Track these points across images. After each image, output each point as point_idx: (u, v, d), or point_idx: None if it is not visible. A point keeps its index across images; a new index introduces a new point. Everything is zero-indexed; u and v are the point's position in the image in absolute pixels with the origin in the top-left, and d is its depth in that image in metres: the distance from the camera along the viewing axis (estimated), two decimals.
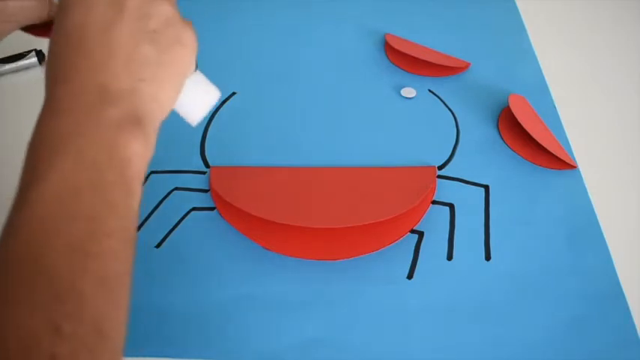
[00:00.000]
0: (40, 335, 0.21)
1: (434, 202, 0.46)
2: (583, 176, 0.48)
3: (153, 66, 0.28)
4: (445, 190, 0.47)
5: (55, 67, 0.28)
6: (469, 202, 0.46)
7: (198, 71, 0.34)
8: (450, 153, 0.50)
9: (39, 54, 0.58)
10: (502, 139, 0.51)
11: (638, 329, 0.39)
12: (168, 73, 0.29)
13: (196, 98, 0.33)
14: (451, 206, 0.46)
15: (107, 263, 0.24)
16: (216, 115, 0.54)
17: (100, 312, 0.23)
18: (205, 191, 0.47)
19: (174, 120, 0.53)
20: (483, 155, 0.50)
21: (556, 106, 0.55)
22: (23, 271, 0.23)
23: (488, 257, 0.43)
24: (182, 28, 0.30)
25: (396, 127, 0.53)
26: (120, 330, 0.24)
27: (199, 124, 0.52)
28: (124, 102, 0.27)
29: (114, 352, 0.23)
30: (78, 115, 0.26)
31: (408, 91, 0.56)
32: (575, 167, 0.49)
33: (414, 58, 0.58)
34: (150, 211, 0.45)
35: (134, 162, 0.26)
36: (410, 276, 0.42)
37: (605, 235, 0.44)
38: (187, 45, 0.30)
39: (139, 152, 0.26)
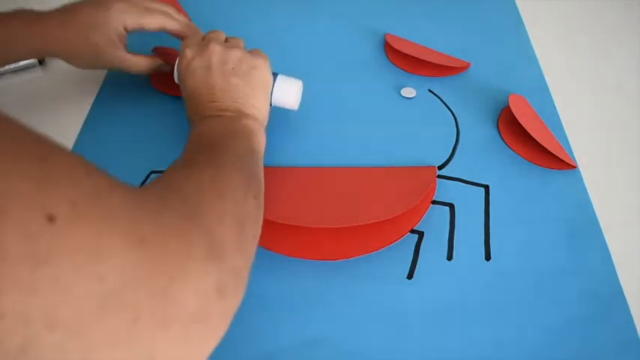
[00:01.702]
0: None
1: (434, 202, 0.46)
2: (583, 176, 0.48)
3: (241, 88, 0.44)
4: (445, 190, 0.47)
5: (191, 113, 0.45)
6: (469, 202, 0.46)
7: (280, 75, 0.48)
8: (450, 153, 0.50)
9: None
10: (502, 139, 0.51)
11: (638, 329, 0.39)
12: (254, 88, 0.45)
13: (287, 92, 0.48)
14: (451, 206, 0.46)
15: (260, 168, 0.41)
16: None
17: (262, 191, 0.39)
18: None
19: (175, 120, 0.53)
20: (483, 155, 0.50)
21: (556, 106, 0.55)
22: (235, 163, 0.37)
23: (488, 257, 0.43)
24: (252, 58, 0.45)
25: (396, 127, 0.53)
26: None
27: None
28: (224, 105, 0.43)
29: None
30: (208, 119, 0.43)
31: (408, 91, 0.56)
32: (575, 167, 0.49)
33: (414, 58, 0.58)
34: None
35: (249, 126, 0.42)
36: (410, 276, 0.42)
37: (605, 235, 0.44)
38: (259, 67, 0.45)
39: (250, 123, 0.43)
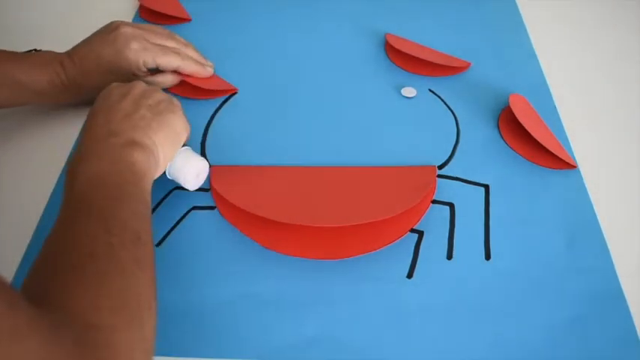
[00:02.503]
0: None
1: (434, 202, 0.46)
2: (583, 176, 0.48)
3: (147, 120, 0.41)
4: (445, 190, 0.47)
5: (87, 127, 0.41)
6: (469, 201, 0.46)
7: (188, 147, 0.46)
8: (450, 152, 0.50)
9: None
10: (502, 138, 0.51)
11: (637, 329, 0.39)
12: (160, 125, 0.42)
13: (188, 165, 0.44)
14: (451, 206, 0.46)
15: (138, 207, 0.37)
16: (217, 115, 0.54)
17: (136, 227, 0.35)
18: (206, 190, 0.47)
19: None
20: (483, 155, 0.50)
21: (556, 106, 0.55)
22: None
23: (488, 257, 0.43)
24: (172, 104, 0.44)
25: (396, 126, 0.53)
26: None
27: (199, 124, 0.52)
28: (123, 135, 0.39)
29: (145, 253, 0.35)
30: (94, 144, 0.39)
31: (409, 91, 0.56)
32: (575, 167, 0.49)
33: (414, 57, 0.58)
34: (150, 210, 0.45)
35: (138, 165, 0.38)
36: (410, 275, 0.42)
37: (605, 235, 0.44)
38: (176, 112, 0.44)
39: (141, 158, 0.39)
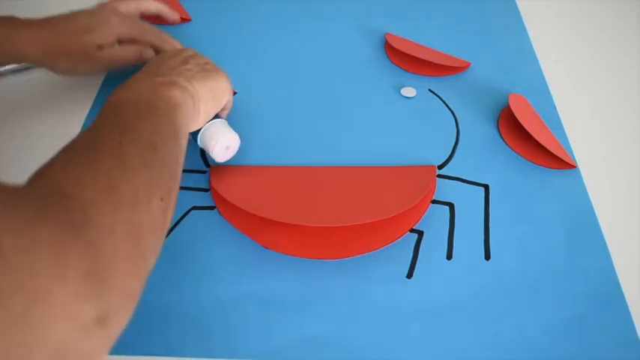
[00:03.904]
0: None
1: (434, 202, 0.46)
2: (583, 176, 0.48)
3: (193, 72, 0.43)
4: (445, 190, 0.47)
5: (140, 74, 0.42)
6: (469, 201, 0.46)
7: (224, 119, 0.47)
8: (450, 152, 0.50)
9: None
10: (502, 138, 0.51)
11: (637, 329, 0.39)
12: (205, 78, 0.43)
13: (220, 134, 0.45)
14: (451, 206, 0.46)
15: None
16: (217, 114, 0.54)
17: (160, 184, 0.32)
18: (205, 190, 0.47)
19: None
20: (483, 155, 0.50)
21: (556, 106, 0.55)
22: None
23: (487, 257, 0.43)
24: (219, 68, 0.46)
25: (396, 126, 0.53)
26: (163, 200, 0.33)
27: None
28: (166, 77, 0.40)
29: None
30: (137, 81, 0.40)
31: (408, 91, 0.56)
32: (575, 167, 0.49)
33: (414, 57, 0.58)
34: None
35: (174, 99, 0.38)
36: (409, 275, 0.42)
37: (605, 235, 0.44)
38: (223, 74, 0.45)
39: (178, 95, 0.39)
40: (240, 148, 0.48)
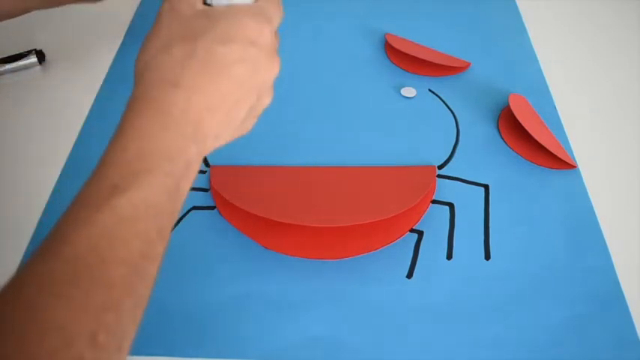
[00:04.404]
0: (75, 338, 0.22)
1: (434, 202, 0.46)
2: (583, 176, 0.48)
3: (232, 130, 0.31)
4: (445, 190, 0.47)
5: (182, 71, 0.28)
6: (469, 201, 0.46)
7: None
8: (450, 152, 0.50)
9: (39, 54, 0.58)
10: (502, 138, 0.51)
11: (637, 329, 0.39)
12: (230, 138, 0.32)
13: None
14: (451, 206, 0.46)
15: (148, 286, 0.26)
16: None
17: (129, 330, 0.25)
18: (205, 190, 0.47)
19: None
20: (483, 155, 0.50)
21: (556, 106, 0.55)
22: (83, 273, 0.23)
23: (487, 257, 0.43)
24: (256, 118, 0.33)
25: (396, 126, 0.53)
26: (129, 347, 0.25)
27: None
28: (201, 144, 0.28)
29: None
30: (177, 140, 0.27)
31: (408, 91, 0.56)
32: (575, 167, 0.49)
33: (414, 57, 0.58)
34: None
35: (183, 198, 0.28)
36: (409, 275, 0.42)
37: (605, 235, 0.44)
38: (248, 130, 0.33)
39: (188, 189, 0.29)
40: (240, 148, 0.48)
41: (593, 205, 0.46)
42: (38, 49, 0.58)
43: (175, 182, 0.27)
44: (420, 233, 0.44)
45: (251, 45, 0.29)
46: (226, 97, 0.29)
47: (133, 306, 0.25)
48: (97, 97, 0.56)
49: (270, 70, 0.31)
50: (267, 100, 0.33)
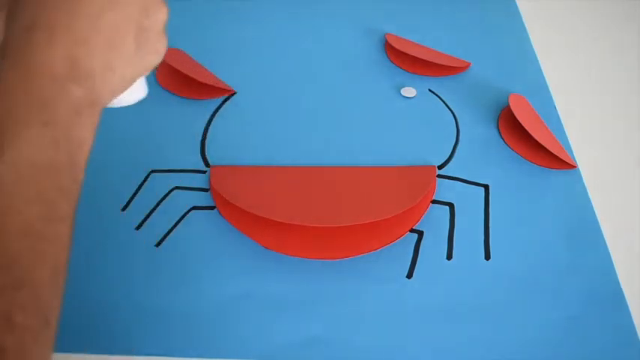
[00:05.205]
0: None
1: (434, 202, 0.46)
2: (583, 176, 0.48)
3: (125, 61, 0.28)
4: (445, 190, 0.47)
5: (35, 11, 0.25)
6: (469, 201, 0.46)
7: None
8: (449, 152, 0.50)
9: None
10: (502, 138, 0.51)
11: (637, 329, 0.39)
12: (134, 72, 0.29)
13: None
14: (451, 206, 0.46)
15: (64, 248, 0.24)
16: (217, 115, 0.54)
17: (52, 301, 0.23)
18: (205, 190, 0.47)
19: (175, 119, 0.53)
20: (483, 155, 0.50)
21: (556, 106, 0.55)
22: None
23: (487, 257, 0.43)
24: (163, 38, 0.30)
25: (396, 126, 0.53)
26: (58, 317, 0.24)
27: (198, 124, 0.52)
28: (88, 84, 0.26)
29: (53, 340, 0.23)
30: (47, 84, 0.24)
31: (408, 91, 0.56)
32: (575, 167, 0.49)
33: (414, 57, 0.58)
34: (150, 210, 0.46)
35: (83, 148, 0.26)
36: (409, 275, 0.42)
37: (605, 235, 0.44)
38: (160, 56, 0.30)
39: (89, 138, 0.26)
40: (240, 148, 0.48)
41: (593, 205, 0.46)
42: None
43: (63, 131, 0.24)
44: (420, 233, 0.44)
45: None
46: (96, 24, 0.26)
47: (50, 274, 0.23)
48: None
49: None
50: (160, 14, 0.29)
